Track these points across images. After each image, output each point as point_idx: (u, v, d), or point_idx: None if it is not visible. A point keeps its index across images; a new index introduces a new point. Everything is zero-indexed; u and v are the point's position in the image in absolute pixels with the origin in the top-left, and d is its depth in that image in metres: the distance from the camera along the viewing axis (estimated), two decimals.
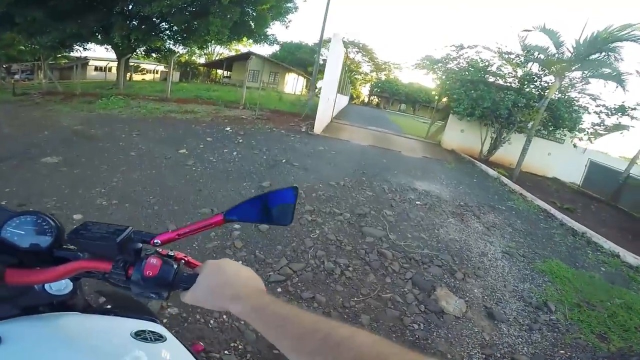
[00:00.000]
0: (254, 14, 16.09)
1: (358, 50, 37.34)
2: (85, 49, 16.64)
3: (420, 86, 39.86)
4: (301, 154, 6.35)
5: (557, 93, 9.51)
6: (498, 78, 10.49)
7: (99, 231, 0.55)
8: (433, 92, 39.47)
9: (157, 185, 3.84)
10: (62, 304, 0.62)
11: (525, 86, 10.20)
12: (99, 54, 21.52)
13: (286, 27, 21.44)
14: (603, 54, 8.12)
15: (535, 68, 10.10)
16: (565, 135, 10.92)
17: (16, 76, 20.34)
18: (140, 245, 0.58)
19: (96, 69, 26.57)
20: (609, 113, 9.32)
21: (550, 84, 9.73)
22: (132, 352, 0.53)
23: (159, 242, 0.57)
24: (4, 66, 19.48)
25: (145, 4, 12.30)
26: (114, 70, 20.59)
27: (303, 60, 32.58)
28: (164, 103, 11.43)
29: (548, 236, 4.87)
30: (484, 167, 9.39)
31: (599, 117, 9.74)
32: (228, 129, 7.62)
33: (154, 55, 19.03)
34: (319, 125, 8.90)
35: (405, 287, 2.71)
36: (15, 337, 0.48)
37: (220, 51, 32.34)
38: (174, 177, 4.20)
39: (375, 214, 4.16)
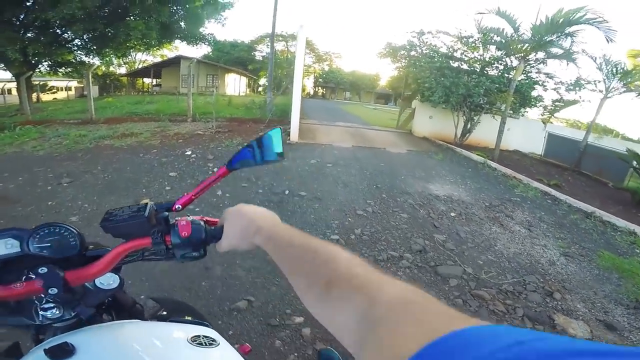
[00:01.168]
0: (185, 12, 14.00)
1: None
2: None
3: (362, 74, 40.12)
4: (298, 176, 5.20)
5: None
6: (462, 63, 10.33)
7: (124, 214, 0.59)
8: (375, 78, 40.10)
9: (142, 277, 2.46)
10: (118, 302, 0.71)
11: (487, 69, 10.21)
12: None
13: (222, 25, 19.36)
14: (560, 36, 8.32)
15: (493, 50, 10.14)
16: (526, 111, 11.34)
17: None
18: (167, 214, 0.61)
19: None
20: (568, 89, 9.68)
21: (509, 66, 9.90)
22: (190, 357, 0.56)
23: (180, 207, 0.62)
24: None
25: (45, 10, 9.75)
26: (14, 92, 16.64)
27: (241, 59, 30.46)
28: (91, 127, 9.23)
29: (574, 224, 4.81)
30: (465, 152, 9.20)
31: (557, 93, 10.17)
32: (189, 153, 6.12)
33: (61, 70, 15.66)
34: (295, 131, 7.77)
35: (527, 327, 2.38)
36: (86, 347, 0.51)
37: (142, 58, 28.82)
38: None
39: (430, 244, 3.45)
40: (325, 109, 19.96)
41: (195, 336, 0.60)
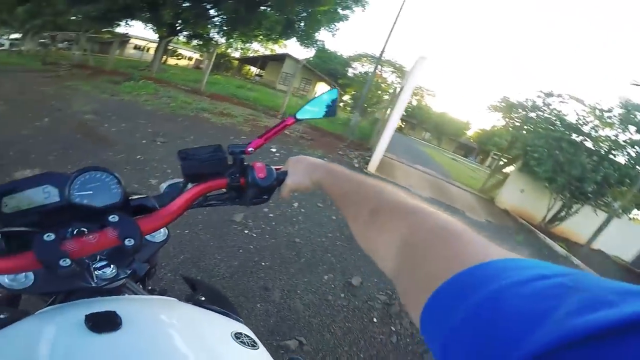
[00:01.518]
0: (307, 14, 14.85)
1: (393, 70, 35.75)
2: (127, 25, 15.59)
3: (451, 118, 38.40)
4: None
5: None
6: (586, 138, 8.75)
7: (202, 154, 0.57)
8: (464, 127, 38.03)
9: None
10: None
11: (614, 152, 8.52)
12: (137, 33, 20.52)
13: (333, 35, 19.83)
14: None
15: (632, 132, 8.37)
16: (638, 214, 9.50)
17: (60, 45, 19.50)
18: (243, 156, 0.60)
19: (136, 47, 25.56)
20: None
21: None
22: (234, 354, 0.51)
23: (253, 149, 0.62)
24: (50, 34, 18.48)
25: None
26: (151, 51, 19.48)
27: (335, 71, 31.26)
28: (197, 97, 10.13)
29: None
30: (548, 241, 7.94)
31: None
32: (274, 150, 6.22)
33: (195, 41, 17.81)
34: (375, 162, 7.49)
35: None
36: (131, 319, 0.45)
37: (255, 48, 31.34)
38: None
39: None
40: (405, 146, 19.39)
41: (238, 333, 0.54)
